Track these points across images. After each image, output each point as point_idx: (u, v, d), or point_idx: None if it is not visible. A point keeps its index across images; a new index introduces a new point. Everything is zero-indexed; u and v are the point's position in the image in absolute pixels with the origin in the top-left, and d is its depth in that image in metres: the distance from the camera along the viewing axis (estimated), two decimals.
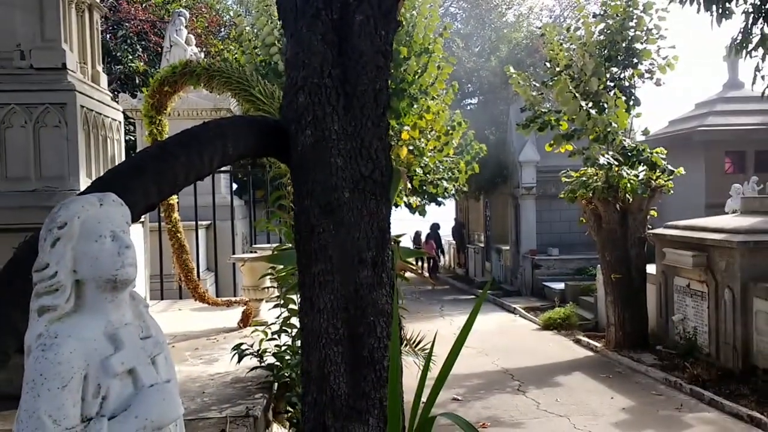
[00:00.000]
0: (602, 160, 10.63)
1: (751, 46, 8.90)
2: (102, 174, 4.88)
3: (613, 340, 11.13)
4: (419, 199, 12.69)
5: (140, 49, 17.67)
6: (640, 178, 10.66)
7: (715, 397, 8.14)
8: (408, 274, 5.04)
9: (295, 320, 4.96)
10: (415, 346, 5.83)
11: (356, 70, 2.76)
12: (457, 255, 25.85)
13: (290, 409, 5.19)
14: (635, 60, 11.29)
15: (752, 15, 8.71)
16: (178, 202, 7.53)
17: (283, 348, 5.18)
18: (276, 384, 5.12)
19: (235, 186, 13.67)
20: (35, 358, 1.73)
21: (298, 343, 4.69)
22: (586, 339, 12.06)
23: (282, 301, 5.15)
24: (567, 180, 11.53)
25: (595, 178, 10.96)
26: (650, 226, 11.37)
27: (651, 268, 11.25)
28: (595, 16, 11.72)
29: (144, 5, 18.48)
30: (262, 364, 5.18)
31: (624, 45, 11.22)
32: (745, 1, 8.68)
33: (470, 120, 14.88)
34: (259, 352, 5.22)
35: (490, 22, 25.67)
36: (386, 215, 2.85)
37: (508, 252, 19.91)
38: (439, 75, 11.30)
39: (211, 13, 20.15)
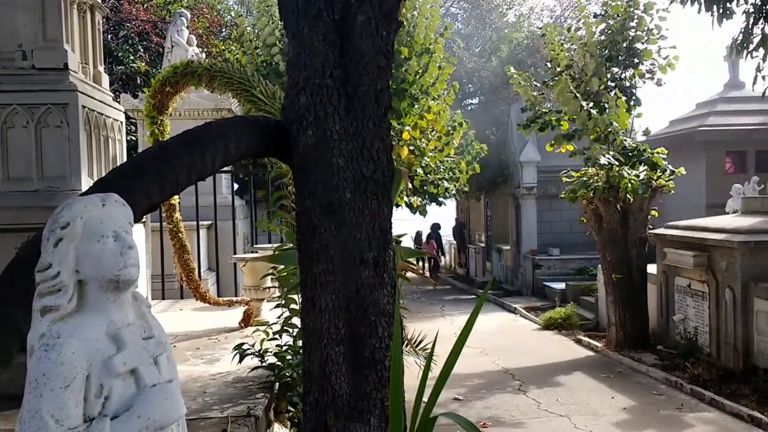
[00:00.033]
0: (603, 160, 10.64)
1: (751, 46, 8.90)
2: (104, 174, 4.89)
3: (614, 339, 11.13)
4: (420, 199, 12.70)
5: (141, 50, 17.68)
6: (640, 178, 10.66)
7: (716, 396, 8.14)
8: (409, 274, 5.05)
9: (296, 320, 4.97)
10: (416, 346, 5.84)
11: (358, 71, 2.76)
12: (457, 255, 25.86)
13: (291, 409, 5.20)
14: (636, 60, 11.29)
15: (753, 15, 8.71)
16: (179, 202, 7.53)
17: (284, 348, 5.18)
18: (277, 384, 5.13)
19: (236, 186, 13.68)
20: (38, 358, 1.73)
21: (299, 342, 4.70)
22: (586, 339, 12.06)
23: (283, 301, 5.16)
24: (568, 180, 11.53)
25: (595, 178, 10.96)
26: (651, 226, 11.37)
27: (652, 268, 11.25)
28: (595, 16, 11.72)
29: (145, 6, 18.49)
30: (264, 364, 5.19)
31: (625, 45, 11.22)
32: (746, 1, 8.68)
33: (471, 120, 14.88)
34: (261, 351, 5.23)
35: (491, 23, 25.67)
36: (388, 216, 2.85)
37: (509, 252, 19.91)
38: (440, 75, 11.30)
39: (213, 14, 20.16)
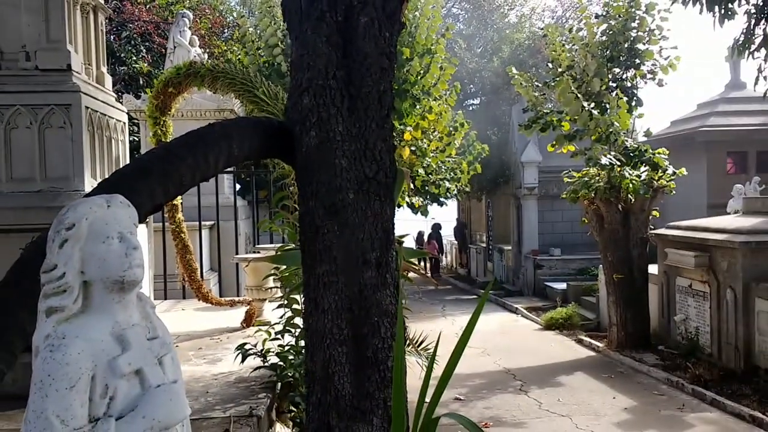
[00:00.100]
0: (604, 161, 10.64)
1: (753, 47, 8.91)
2: (107, 175, 4.90)
3: (615, 340, 11.14)
4: (421, 199, 12.70)
5: (144, 51, 17.69)
6: (642, 178, 10.66)
7: (717, 397, 8.14)
8: (411, 274, 5.06)
9: (298, 320, 4.98)
10: (418, 346, 5.85)
11: (360, 72, 2.77)
12: (459, 255, 25.87)
13: (293, 409, 5.21)
14: (637, 60, 11.28)
15: (755, 16, 8.72)
16: (181, 203, 7.55)
17: (287, 348, 5.20)
18: (279, 384, 5.15)
19: (238, 186, 13.68)
20: (43, 359, 1.74)
21: (302, 343, 4.72)
22: (588, 339, 12.06)
23: (285, 301, 5.17)
24: (569, 180, 11.54)
25: (597, 178, 10.96)
26: (652, 227, 11.37)
27: (653, 269, 11.25)
28: (597, 16, 11.72)
29: (148, 6, 18.51)
30: (266, 364, 5.20)
31: (626, 46, 11.21)
32: (748, 2, 8.68)
33: (472, 120, 14.86)
34: (263, 352, 5.24)
35: (493, 23, 25.67)
36: (390, 216, 2.86)
37: (510, 252, 19.91)
38: (442, 76, 11.29)
39: (215, 15, 20.16)
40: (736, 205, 12.42)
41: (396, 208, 3.12)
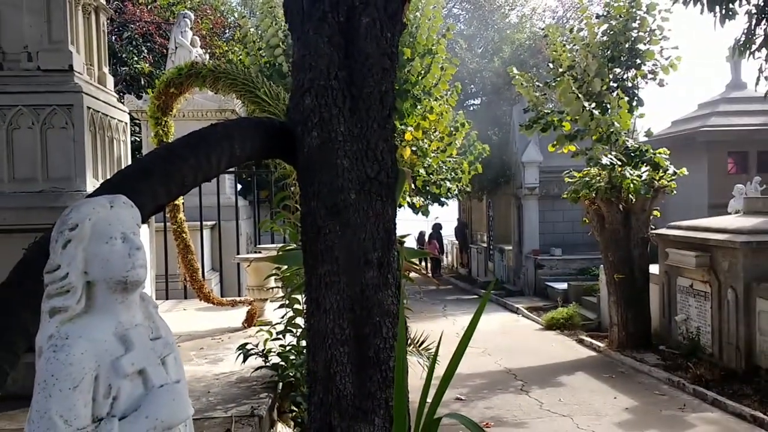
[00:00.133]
0: (605, 161, 10.64)
1: (754, 47, 8.92)
2: (108, 175, 4.91)
3: (616, 340, 11.14)
4: (422, 199, 12.70)
5: (146, 51, 17.71)
6: (643, 178, 10.66)
7: (718, 397, 8.14)
8: (412, 274, 5.06)
9: (299, 320, 4.98)
10: (419, 346, 5.85)
11: (362, 73, 2.77)
12: (460, 255, 25.88)
13: (295, 409, 5.22)
14: (638, 61, 11.29)
15: (756, 16, 8.72)
16: (183, 203, 7.56)
17: (288, 348, 5.20)
18: (281, 384, 5.15)
19: (239, 186, 13.70)
20: (47, 359, 1.75)
21: (303, 343, 4.72)
22: (589, 339, 12.07)
23: (287, 301, 5.18)
24: (570, 180, 11.54)
25: (598, 178, 10.97)
26: (653, 227, 11.37)
27: (654, 269, 11.26)
28: (598, 17, 11.72)
29: (149, 7, 18.52)
30: (267, 364, 5.21)
31: (627, 46, 11.22)
32: (749, 2, 8.69)
33: (473, 121, 14.86)
34: (264, 351, 5.25)
35: (493, 23, 25.67)
36: (392, 216, 2.86)
37: (511, 252, 19.92)
38: (443, 76, 11.29)
39: (216, 15, 20.18)
40: (737, 205, 12.42)
41: (397, 208, 3.12)
